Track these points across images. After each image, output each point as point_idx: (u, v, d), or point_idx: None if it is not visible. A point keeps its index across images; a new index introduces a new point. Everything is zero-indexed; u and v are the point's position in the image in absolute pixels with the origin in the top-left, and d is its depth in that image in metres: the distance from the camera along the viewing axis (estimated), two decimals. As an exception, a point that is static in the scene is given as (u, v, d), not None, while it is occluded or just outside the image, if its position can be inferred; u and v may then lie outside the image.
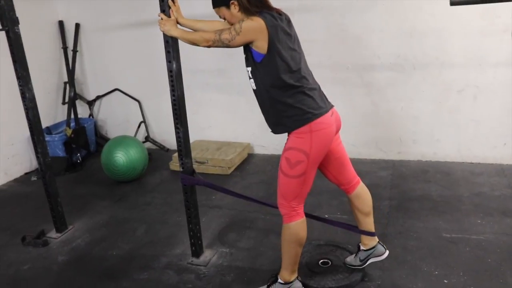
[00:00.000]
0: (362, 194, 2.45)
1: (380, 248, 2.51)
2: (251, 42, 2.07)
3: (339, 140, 2.36)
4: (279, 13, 2.16)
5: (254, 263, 2.77)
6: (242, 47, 2.17)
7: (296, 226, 2.24)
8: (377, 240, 2.53)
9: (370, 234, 2.50)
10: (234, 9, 2.13)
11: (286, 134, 2.21)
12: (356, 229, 2.54)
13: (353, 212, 2.51)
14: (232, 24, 2.14)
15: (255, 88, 2.21)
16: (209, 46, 2.18)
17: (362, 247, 2.53)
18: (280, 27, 2.07)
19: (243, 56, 2.20)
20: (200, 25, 2.43)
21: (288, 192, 2.21)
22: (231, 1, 2.12)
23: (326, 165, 2.36)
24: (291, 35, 2.14)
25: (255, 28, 2.03)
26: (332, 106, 2.24)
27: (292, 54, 2.11)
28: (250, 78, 2.21)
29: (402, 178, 3.83)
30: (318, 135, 2.11)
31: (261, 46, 2.05)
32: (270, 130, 2.29)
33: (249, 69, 2.18)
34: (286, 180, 2.19)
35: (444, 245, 2.77)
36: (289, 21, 2.19)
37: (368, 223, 2.48)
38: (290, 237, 2.26)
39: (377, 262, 2.55)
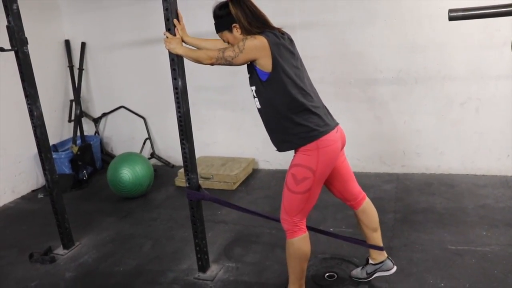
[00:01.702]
0: (368, 210, 2.46)
1: (389, 263, 2.52)
2: (254, 60, 2.11)
3: (344, 156, 2.38)
4: (281, 32, 2.20)
5: (260, 277, 2.77)
6: (246, 66, 2.22)
7: (299, 242, 2.26)
8: (386, 255, 2.54)
9: (379, 248, 2.51)
10: (237, 32, 2.18)
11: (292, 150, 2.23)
12: (364, 244, 2.55)
13: (360, 228, 2.52)
14: None
15: (259, 107, 2.24)
16: (212, 64, 2.22)
17: (370, 261, 2.54)
18: (282, 45, 2.11)
19: (247, 73, 2.24)
20: (204, 44, 2.49)
21: (292, 208, 2.22)
22: (233, 25, 2.17)
23: (332, 181, 2.38)
24: (294, 54, 2.18)
25: (257, 46, 2.06)
26: (337, 124, 2.27)
27: (296, 72, 2.14)
28: (254, 97, 2.24)
29: (406, 191, 3.84)
30: (324, 152, 2.14)
31: (265, 64, 2.09)
32: (275, 149, 2.31)
33: (254, 88, 2.21)
34: (291, 196, 2.21)
35: (450, 257, 2.78)
36: (291, 40, 2.23)
37: (376, 238, 2.49)
38: (294, 253, 2.28)
39: (383, 275, 2.55)
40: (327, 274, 2.68)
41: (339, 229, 3.25)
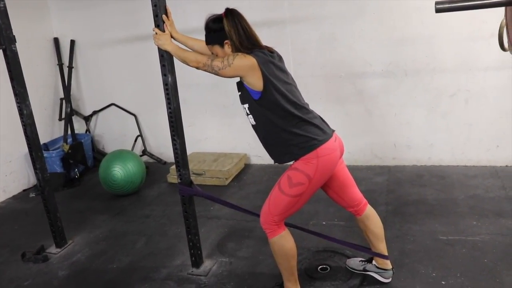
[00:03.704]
0: (372, 216, 2.46)
1: (390, 273, 2.52)
2: (241, 77, 2.13)
3: (343, 163, 2.39)
4: (270, 51, 2.22)
5: (254, 271, 2.79)
6: (236, 85, 2.23)
7: (282, 239, 2.27)
8: (391, 266, 2.53)
9: (384, 257, 2.50)
10: (228, 49, 2.19)
11: None
12: (369, 251, 2.54)
13: (365, 236, 2.51)
14: None
15: (254, 123, 2.25)
16: (197, 68, 2.23)
17: (374, 263, 2.54)
18: (272, 63, 2.13)
19: (237, 91, 2.25)
20: (192, 43, 2.51)
21: (277, 208, 2.22)
22: (225, 41, 2.17)
23: (332, 187, 2.39)
24: (284, 70, 2.20)
25: (246, 65, 2.08)
26: (333, 131, 2.28)
27: (287, 88, 2.16)
28: (248, 114, 2.25)
29: (397, 183, 3.87)
30: (323, 160, 2.15)
31: (253, 83, 2.10)
32: (274, 161, 2.31)
33: (246, 105, 2.22)
34: (281, 196, 2.21)
35: (441, 247, 2.81)
36: (280, 57, 2.25)
37: (382, 249, 2.49)
38: (279, 251, 2.29)
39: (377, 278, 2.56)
40: (320, 266, 2.70)
41: (331, 222, 3.28)
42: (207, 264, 2.90)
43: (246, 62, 2.08)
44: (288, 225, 2.38)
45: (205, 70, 2.21)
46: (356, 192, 2.45)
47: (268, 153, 2.32)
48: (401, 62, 3.97)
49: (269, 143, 2.28)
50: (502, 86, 3.76)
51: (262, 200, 3.74)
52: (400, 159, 4.25)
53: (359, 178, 3.91)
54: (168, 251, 3.14)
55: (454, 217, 3.17)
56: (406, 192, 3.66)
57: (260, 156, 4.63)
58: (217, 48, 2.23)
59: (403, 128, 4.16)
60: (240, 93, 2.24)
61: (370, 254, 2.55)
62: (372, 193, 3.61)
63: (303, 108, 2.18)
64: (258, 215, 2.67)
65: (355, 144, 4.30)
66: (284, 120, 2.14)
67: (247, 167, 4.63)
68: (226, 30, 2.14)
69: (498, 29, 1.93)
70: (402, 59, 3.96)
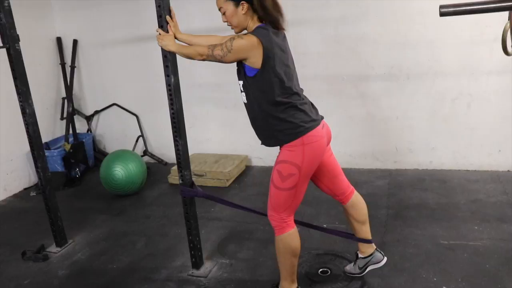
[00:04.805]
0: (357, 204, 2.47)
1: (378, 255, 2.54)
2: (244, 60, 2.08)
3: (331, 151, 2.38)
4: (277, 27, 2.16)
5: (254, 273, 2.78)
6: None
7: (288, 237, 2.26)
8: (375, 247, 2.56)
9: (367, 241, 2.52)
10: (241, 10, 2.10)
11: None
12: (353, 237, 2.56)
13: (348, 222, 2.54)
14: (228, 24, 2.17)
15: (246, 101, 2.23)
16: (203, 60, 2.19)
17: (360, 255, 2.56)
18: (275, 43, 2.08)
19: (236, 66, 2.21)
20: (196, 40, 2.46)
21: (279, 204, 2.23)
22: (242, 1, 2.09)
23: (319, 176, 2.38)
24: (285, 52, 2.16)
25: (245, 46, 2.03)
26: (322, 118, 2.27)
27: (285, 70, 2.12)
28: (241, 92, 2.22)
29: (399, 186, 3.86)
30: (310, 147, 2.13)
31: (254, 62, 2.06)
32: (261, 142, 2.31)
33: (241, 82, 2.19)
34: (278, 192, 2.21)
35: (442, 252, 2.80)
36: (284, 37, 2.21)
37: (365, 231, 2.50)
38: (284, 249, 2.28)
39: (376, 270, 2.57)
40: (321, 269, 2.70)
41: (332, 225, 3.27)
42: (207, 266, 2.89)
43: (246, 43, 2.02)
44: (297, 222, 2.38)
45: (210, 60, 2.16)
46: (343, 181, 2.45)
47: (256, 133, 2.30)
48: (403, 65, 3.97)
49: (256, 124, 2.26)
50: (504, 91, 3.75)
51: (263, 201, 3.75)
52: (401, 162, 4.25)
53: (360, 181, 3.93)
54: (168, 252, 3.14)
55: (455, 222, 3.16)
56: (408, 196, 3.65)
57: (261, 158, 4.63)
58: (229, 5, 2.11)
59: (405, 132, 4.15)
60: (237, 68, 2.19)
61: (354, 240, 2.56)
62: (373, 197, 3.61)
63: (296, 94, 2.15)
64: (260, 214, 2.70)
65: (356, 147, 4.30)
66: (272, 104, 2.11)
67: (248, 168, 4.62)
68: None
69: (501, 33, 1.92)
70: (404, 63, 3.96)
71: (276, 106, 2.11)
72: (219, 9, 2.18)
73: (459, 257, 2.73)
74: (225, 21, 2.19)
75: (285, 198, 2.20)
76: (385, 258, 2.55)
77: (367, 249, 2.54)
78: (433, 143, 4.11)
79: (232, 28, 2.21)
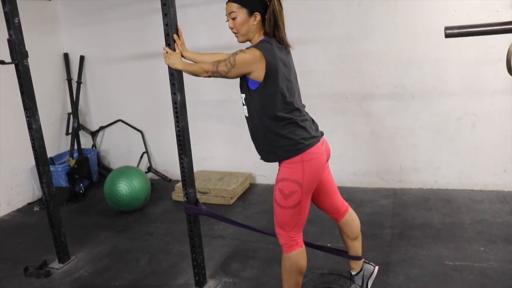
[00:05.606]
0: (351, 221, 2.47)
1: (368, 266, 2.54)
2: (248, 74, 2.08)
3: (328, 169, 2.38)
4: (281, 43, 2.16)
5: (258, 292, 2.76)
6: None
7: (296, 256, 2.25)
8: (363, 260, 2.56)
9: (357, 258, 2.53)
10: (253, 21, 2.11)
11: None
12: (344, 255, 2.57)
13: (342, 238, 2.55)
14: (234, 30, 2.16)
15: (247, 115, 2.23)
16: (209, 76, 2.19)
17: (352, 272, 2.56)
18: (279, 57, 2.08)
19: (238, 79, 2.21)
20: (202, 58, 2.48)
21: (286, 223, 2.22)
22: (256, 13, 2.09)
23: (315, 195, 2.36)
24: (288, 67, 2.16)
25: (248, 60, 2.02)
26: (322, 134, 2.27)
27: (287, 85, 2.12)
28: (243, 105, 2.22)
29: (403, 206, 3.84)
30: (309, 164, 2.13)
31: (257, 76, 2.05)
32: (260, 157, 2.31)
33: (243, 95, 2.19)
34: (282, 211, 2.20)
35: (448, 273, 2.77)
36: (288, 52, 2.22)
37: (356, 246, 2.51)
38: (290, 267, 2.26)
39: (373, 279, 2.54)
40: (325, 289, 2.67)
41: (336, 244, 3.23)
42: (210, 284, 2.87)
43: (249, 56, 2.02)
44: (307, 244, 2.37)
45: (216, 76, 2.17)
46: (338, 200, 2.45)
47: (255, 147, 2.30)
48: (408, 84, 3.98)
49: (256, 139, 2.26)
50: (508, 111, 3.75)
51: (267, 220, 3.76)
52: (406, 181, 4.23)
53: (364, 200, 3.91)
54: (172, 269, 3.12)
55: (461, 242, 3.13)
56: (412, 216, 3.63)
57: (265, 176, 4.62)
58: (243, 12, 2.09)
59: (409, 151, 4.15)
60: (240, 81, 2.19)
61: (345, 257, 2.57)
62: (377, 216, 3.58)
63: (297, 110, 2.15)
64: (264, 232, 2.68)
65: (361, 165, 4.28)
66: (273, 119, 2.11)
67: (252, 186, 4.61)
68: (272, 9, 2.07)
69: (506, 54, 1.93)
70: (409, 82, 3.97)
71: (277, 121, 2.11)
72: (229, 13, 2.14)
73: (466, 279, 2.70)
74: (231, 27, 2.17)
75: (291, 216, 2.19)
76: (377, 267, 2.54)
77: (357, 265, 2.55)
78: (437, 162, 4.09)
79: (236, 36, 2.20)
